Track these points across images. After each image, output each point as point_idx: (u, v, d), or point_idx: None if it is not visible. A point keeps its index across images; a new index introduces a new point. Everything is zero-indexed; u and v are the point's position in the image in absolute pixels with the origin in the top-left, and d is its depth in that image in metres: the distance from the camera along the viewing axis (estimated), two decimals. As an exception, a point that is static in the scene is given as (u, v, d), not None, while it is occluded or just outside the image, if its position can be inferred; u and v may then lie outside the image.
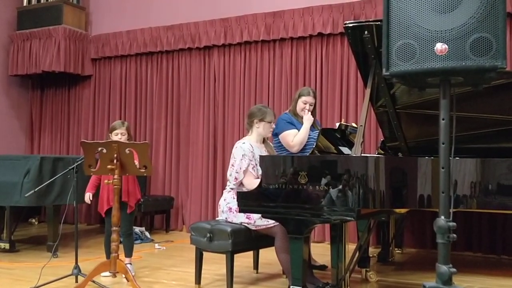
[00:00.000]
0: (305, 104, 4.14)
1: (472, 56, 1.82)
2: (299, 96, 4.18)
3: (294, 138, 3.99)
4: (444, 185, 1.95)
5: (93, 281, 3.60)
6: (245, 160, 3.59)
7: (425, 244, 5.25)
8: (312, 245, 4.38)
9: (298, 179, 2.92)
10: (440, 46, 1.86)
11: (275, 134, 4.12)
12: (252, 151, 3.65)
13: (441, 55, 1.85)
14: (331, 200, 2.83)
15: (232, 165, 3.67)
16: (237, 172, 3.60)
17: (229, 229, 3.45)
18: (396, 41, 1.94)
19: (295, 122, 4.10)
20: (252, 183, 3.52)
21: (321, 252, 4.48)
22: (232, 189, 3.68)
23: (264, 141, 3.86)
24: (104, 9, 7.39)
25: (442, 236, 1.93)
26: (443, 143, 1.95)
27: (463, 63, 1.83)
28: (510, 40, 5.03)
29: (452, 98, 1.98)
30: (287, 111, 4.28)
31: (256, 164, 3.62)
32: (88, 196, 4.08)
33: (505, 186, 3.09)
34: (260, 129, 3.76)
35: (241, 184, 3.63)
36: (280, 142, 4.10)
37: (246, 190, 3.38)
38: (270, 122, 3.77)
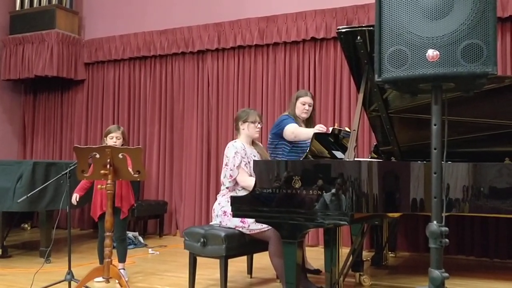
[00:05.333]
0: (304, 104, 4.14)
1: (463, 62, 1.83)
2: (297, 98, 4.18)
3: (296, 129, 3.99)
4: (436, 190, 1.96)
5: (86, 287, 3.58)
6: (237, 156, 3.62)
7: (418, 248, 5.27)
8: (306, 249, 4.39)
9: (291, 184, 2.93)
10: (431, 53, 1.87)
11: (275, 134, 4.09)
12: (244, 149, 3.69)
13: (433, 62, 1.87)
14: (324, 204, 2.84)
15: (226, 165, 3.69)
16: (231, 170, 3.63)
17: (222, 234, 3.45)
18: (388, 47, 1.95)
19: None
20: (246, 180, 3.57)
21: (314, 256, 4.48)
22: (227, 188, 3.69)
23: (253, 143, 3.88)
24: (97, 13, 7.38)
25: (435, 240, 1.93)
26: (435, 149, 1.96)
27: (455, 70, 1.84)
28: (501, 45, 5.07)
29: (443, 103, 2.00)
30: (286, 113, 4.25)
31: (249, 162, 3.65)
32: (74, 197, 4.07)
33: (496, 190, 3.12)
34: (245, 130, 3.80)
35: (236, 183, 3.65)
36: (273, 140, 4.09)
37: (239, 195, 3.39)
38: (254, 122, 3.80)
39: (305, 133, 3.97)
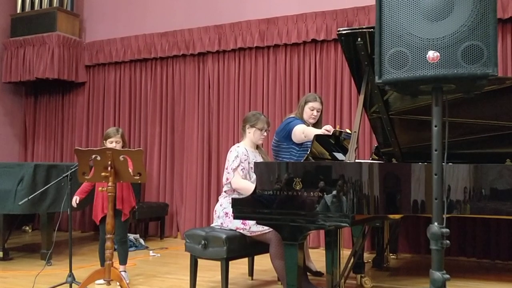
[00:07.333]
0: (313, 110, 4.07)
1: (464, 63, 1.83)
2: (306, 103, 4.09)
3: (306, 129, 3.92)
4: (437, 191, 1.96)
5: (87, 289, 3.59)
6: (236, 160, 3.64)
7: (419, 249, 5.26)
8: (309, 250, 4.38)
9: (292, 185, 2.93)
10: (432, 54, 1.87)
11: (283, 137, 4.03)
12: (246, 155, 3.69)
13: (433, 63, 1.87)
14: (325, 206, 2.83)
15: (226, 168, 3.70)
16: (228, 173, 3.65)
17: (224, 236, 3.44)
18: (389, 49, 1.95)
19: None
20: (239, 182, 3.59)
21: (316, 258, 4.47)
22: (225, 191, 3.70)
23: (257, 147, 3.87)
24: (98, 16, 7.40)
25: (436, 242, 1.93)
26: (435, 150, 1.96)
27: (455, 71, 1.84)
28: (501, 47, 5.08)
29: (444, 104, 2.00)
30: (293, 115, 4.19)
31: (250, 168, 3.64)
32: (75, 200, 4.07)
33: (497, 191, 3.12)
34: (251, 135, 3.79)
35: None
36: (281, 143, 4.05)
37: (241, 197, 3.39)
38: (261, 130, 3.78)
39: (315, 133, 3.92)
